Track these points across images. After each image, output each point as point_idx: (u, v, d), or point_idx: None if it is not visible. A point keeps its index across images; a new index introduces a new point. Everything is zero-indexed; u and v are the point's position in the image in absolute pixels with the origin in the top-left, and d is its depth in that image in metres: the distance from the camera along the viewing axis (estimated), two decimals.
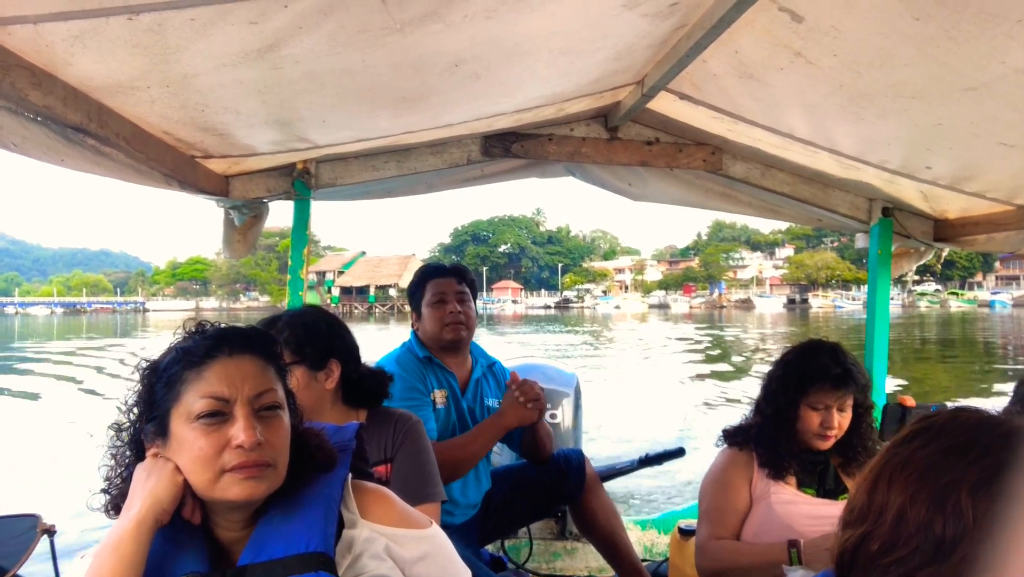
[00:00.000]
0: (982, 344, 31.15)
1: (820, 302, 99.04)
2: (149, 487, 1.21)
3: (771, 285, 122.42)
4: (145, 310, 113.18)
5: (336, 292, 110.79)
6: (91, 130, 1.87)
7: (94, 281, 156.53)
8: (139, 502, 1.20)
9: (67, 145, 1.85)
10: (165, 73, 1.79)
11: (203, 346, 1.26)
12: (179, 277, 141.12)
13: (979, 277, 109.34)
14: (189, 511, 1.24)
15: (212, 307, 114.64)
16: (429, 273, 2.95)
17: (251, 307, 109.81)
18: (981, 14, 1.67)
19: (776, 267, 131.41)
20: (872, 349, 3.38)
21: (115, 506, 1.28)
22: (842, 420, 2.23)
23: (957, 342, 32.11)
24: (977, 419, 0.96)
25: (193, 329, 1.32)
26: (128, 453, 1.30)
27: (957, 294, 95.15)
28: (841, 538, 0.98)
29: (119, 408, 1.32)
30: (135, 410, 1.30)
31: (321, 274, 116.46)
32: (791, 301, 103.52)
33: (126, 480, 1.27)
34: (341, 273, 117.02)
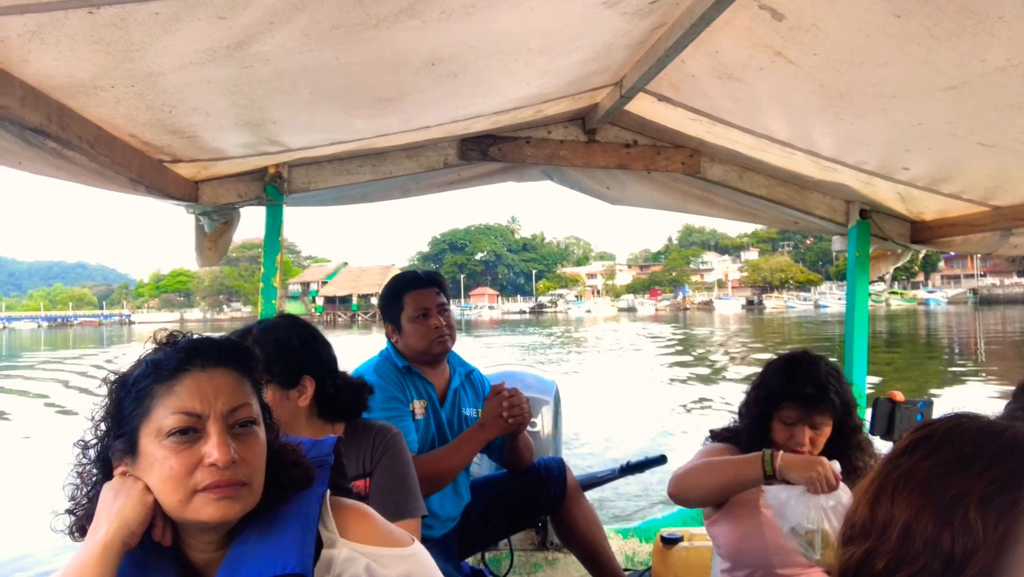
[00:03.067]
0: (923, 334, 40.50)
1: (774, 303, 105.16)
2: (116, 508, 1.14)
3: (732, 287, 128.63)
4: (131, 322, 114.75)
5: (320, 301, 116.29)
6: (52, 132, 1.79)
7: (79, 295, 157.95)
8: (106, 524, 1.13)
9: (26, 148, 1.76)
10: (129, 71, 1.71)
11: (174, 359, 1.19)
12: (163, 289, 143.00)
13: (920, 277, 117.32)
14: (159, 532, 1.18)
15: (196, 318, 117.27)
16: (405, 285, 2.85)
17: (235, 317, 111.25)
18: (963, 11, 1.65)
19: (740, 270, 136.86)
20: (852, 349, 3.38)
21: (80, 528, 1.21)
22: (816, 438, 2.19)
23: (901, 333, 40.61)
24: (979, 427, 0.92)
25: (164, 340, 1.25)
26: (95, 471, 1.23)
27: (899, 293, 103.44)
28: (843, 556, 0.94)
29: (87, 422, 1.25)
30: (102, 426, 1.23)
31: (306, 284, 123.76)
32: (749, 302, 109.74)
33: (92, 500, 1.20)
34: (325, 283, 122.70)
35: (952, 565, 0.83)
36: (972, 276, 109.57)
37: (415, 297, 2.80)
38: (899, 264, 3.56)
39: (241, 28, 1.56)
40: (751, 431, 2.26)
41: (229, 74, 1.83)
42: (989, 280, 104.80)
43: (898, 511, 0.89)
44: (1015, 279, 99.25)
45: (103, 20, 1.42)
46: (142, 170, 2.38)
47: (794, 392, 2.18)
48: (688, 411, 13.66)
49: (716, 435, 2.39)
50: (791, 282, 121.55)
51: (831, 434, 2.21)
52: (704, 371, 21.42)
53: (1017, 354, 25.33)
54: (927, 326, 45.69)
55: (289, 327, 2.12)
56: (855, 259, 3.40)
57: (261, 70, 1.83)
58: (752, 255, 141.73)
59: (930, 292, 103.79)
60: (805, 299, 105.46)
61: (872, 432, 2.28)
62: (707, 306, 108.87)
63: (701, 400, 15.04)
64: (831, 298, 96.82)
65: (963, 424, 0.93)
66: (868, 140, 2.65)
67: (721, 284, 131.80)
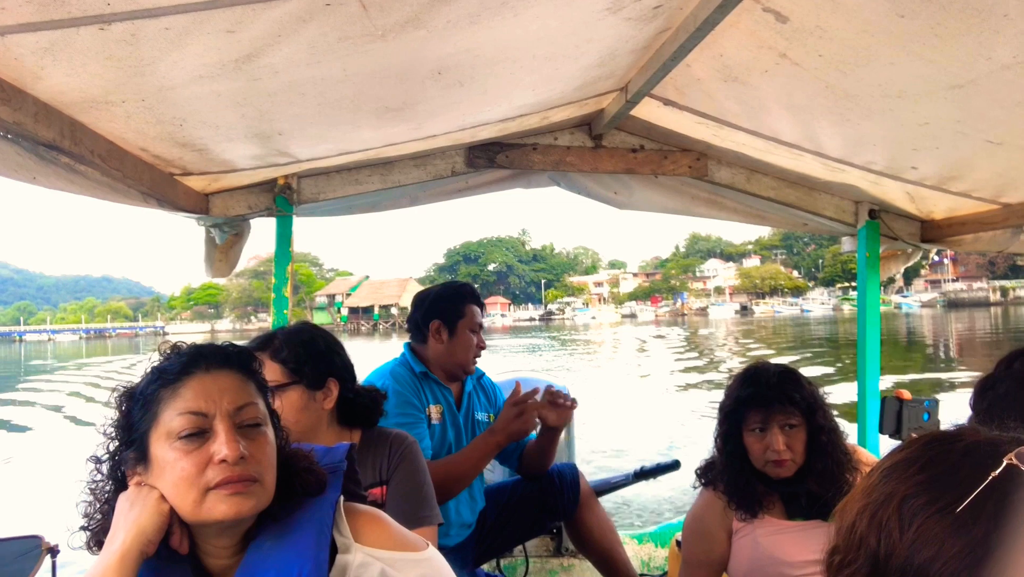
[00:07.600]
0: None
1: (763, 308, 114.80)
2: (133, 517, 1.15)
3: (730, 294, 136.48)
4: (164, 333, 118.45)
5: (345, 312, 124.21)
6: (64, 147, 1.81)
7: (115, 308, 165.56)
8: (123, 533, 1.15)
9: (39, 163, 1.78)
10: (140, 86, 1.73)
11: (178, 364, 1.22)
12: (194, 302, 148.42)
13: (899, 283, 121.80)
14: (177, 540, 1.19)
15: (226, 328, 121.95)
16: (471, 295, 2.91)
17: (262, 327, 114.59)
18: (967, 10, 1.65)
19: (736, 277, 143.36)
20: (864, 350, 3.36)
21: (97, 542, 1.23)
22: (791, 442, 2.10)
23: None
24: (943, 435, 0.93)
25: (168, 351, 1.28)
26: (107, 487, 1.25)
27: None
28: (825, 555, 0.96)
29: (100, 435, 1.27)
30: (114, 439, 1.25)
31: (331, 296, 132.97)
32: (743, 308, 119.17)
33: (107, 513, 1.22)
34: (349, 295, 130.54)
35: (877, 566, 0.83)
36: (951, 280, 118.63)
37: (474, 312, 2.87)
38: (909, 264, 3.55)
39: (249, 41, 1.58)
40: (730, 458, 2.19)
41: (238, 87, 1.85)
42: (959, 285, 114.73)
43: (852, 511, 0.91)
44: (982, 284, 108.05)
45: (114, 36, 1.44)
46: (153, 183, 2.40)
47: (754, 396, 2.13)
48: (695, 414, 13.64)
49: (702, 475, 2.31)
50: (782, 288, 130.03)
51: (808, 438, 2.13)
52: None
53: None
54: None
55: (313, 331, 2.15)
56: (865, 259, 3.39)
57: (269, 82, 1.85)
58: (755, 261, 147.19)
59: (904, 297, 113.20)
60: (792, 304, 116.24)
61: (881, 431, 2.27)
62: (703, 312, 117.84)
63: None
64: (815, 303, 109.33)
65: (924, 437, 0.93)
66: (875, 140, 2.64)
67: (720, 291, 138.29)
